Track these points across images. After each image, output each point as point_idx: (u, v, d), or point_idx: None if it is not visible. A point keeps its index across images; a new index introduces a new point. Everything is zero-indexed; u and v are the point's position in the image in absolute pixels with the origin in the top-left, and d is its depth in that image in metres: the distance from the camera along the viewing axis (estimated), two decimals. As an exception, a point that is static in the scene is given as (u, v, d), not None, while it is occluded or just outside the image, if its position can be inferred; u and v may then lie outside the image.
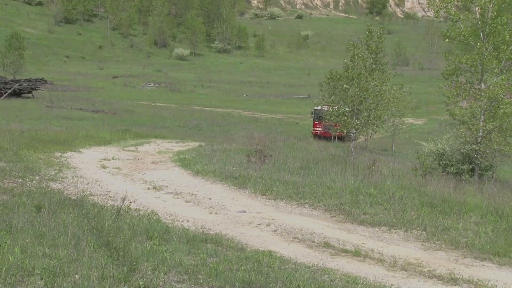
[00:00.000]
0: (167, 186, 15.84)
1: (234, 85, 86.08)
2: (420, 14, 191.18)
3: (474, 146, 21.02)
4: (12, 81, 54.03)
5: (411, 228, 12.70)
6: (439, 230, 12.54)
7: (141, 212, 11.92)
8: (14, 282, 6.67)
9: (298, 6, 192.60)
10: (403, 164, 24.13)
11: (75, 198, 12.42)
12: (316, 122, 41.98)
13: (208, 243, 9.89)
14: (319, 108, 41.33)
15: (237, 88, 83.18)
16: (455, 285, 9.41)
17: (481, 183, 19.59)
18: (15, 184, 13.34)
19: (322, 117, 39.78)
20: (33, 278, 6.84)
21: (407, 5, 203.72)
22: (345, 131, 38.45)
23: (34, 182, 14.07)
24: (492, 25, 20.51)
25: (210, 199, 14.52)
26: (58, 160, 18.47)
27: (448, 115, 21.79)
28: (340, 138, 39.50)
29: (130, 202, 12.70)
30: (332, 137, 39.64)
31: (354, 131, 26.18)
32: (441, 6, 21.80)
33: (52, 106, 46.66)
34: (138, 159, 21.16)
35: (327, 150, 27.86)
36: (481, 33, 21.02)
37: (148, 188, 15.47)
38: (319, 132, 41.00)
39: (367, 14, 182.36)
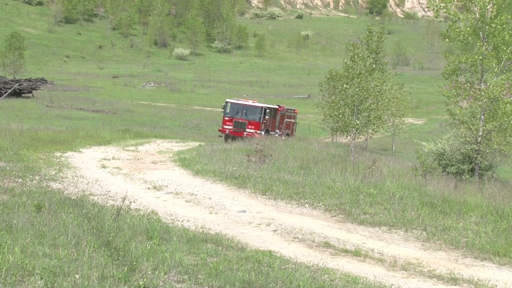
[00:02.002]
0: (167, 186, 15.85)
1: (234, 85, 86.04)
2: (420, 14, 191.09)
3: (474, 146, 21.02)
4: (12, 81, 54.01)
5: (411, 228, 12.71)
6: (439, 230, 12.55)
7: (141, 212, 11.93)
8: (14, 282, 6.67)
9: (298, 6, 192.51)
10: (403, 164, 24.13)
11: (75, 198, 12.42)
12: (226, 119, 34.26)
13: (208, 243, 9.90)
14: (232, 101, 35.62)
15: (237, 88, 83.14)
16: (455, 285, 9.42)
17: (481, 183, 19.59)
18: (15, 184, 13.34)
19: (235, 113, 34.13)
20: (33, 278, 6.84)
21: (407, 5, 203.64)
22: (261, 132, 33.19)
23: (34, 182, 14.07)
24: (492, 25, 20.51)
25: (210, 199, 14.53)
26: (58, 160, 18.48)
27: (448, 115, 21.78)
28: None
29: (130, 202, 12.71)
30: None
31: (355, 131, 26.16)
32: (441, 6, 21.79)
33: (52, 106, 46.65)
34: (138, 159, 21.17)
35: (327, 150, 27.85)
36: (480, 33, 21.02)
37: (148, 188, 15.47)
38: (228, 130, 33.70)
39: (367, 14, 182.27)
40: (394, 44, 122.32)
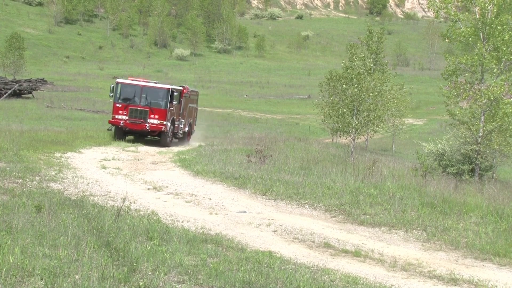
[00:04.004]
0: (167, 187, 15.85)
1: (234, 86, 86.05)
2: (420, 15, 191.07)
3: (474, 146, 21.03)
4: (12, 81, 53.98)
5: (411, 229, 12.71)
6: (439, 231, 12.56)
7: (141, 213, 11.93)
8: (14, 283, 6.67)
9: (298, 7, 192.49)
10: (403, 165, 24.14)
11: (75, 198, 12.42)
12: (118, 106, 25.98)
13: (208, 244, 9.90)
14: (125, 81, 26.98)
15: (237, 89, 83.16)
16: (455, 285, 9.42)
17: (481, 184, 19.60)
18: (15, 185, 13.34)
19: (131, 98, 26.11)
20: (33, 279, 6.85)
21: (407, 5, 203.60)
22: (167, 123, 25.89)
23: (34, 182, 14.07)
24: (492, 25, 20.52)
25: (210, 199, 14.53)
26: (58, 160, 18.48)
27: (448, 116, 21.80)
28: (154, 135, 26.59)
29: (130, 203, 12.72)
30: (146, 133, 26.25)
31: (354, 131, 26.17)
32: (441, 6, 21.81)
33: (52, 107, 46.65)
34: (138, 160, 21.18)
35: (327, 150, 27.86)
36: (481, 34, 21.03)
37: (148, 189, 15.48)
38: (122, 122, 25.66)
39: (367, 15, 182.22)
40: (394, 45, 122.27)
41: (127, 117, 25.70)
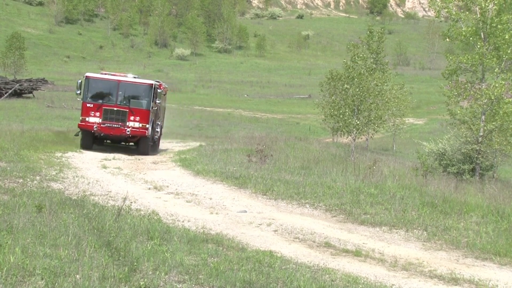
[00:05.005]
0: (167, 186, 15.85)
1: (235, 85, 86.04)
2: (420, 14, 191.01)
3: (475, 146, 21.02)
4: (13, 81, 54.02)
5: (412, 228, 12.71)
6: (440, 230, 12.55)
7: (142, 212, 11.93)
8: (15, 282, 6.67)
9: (298, 6, 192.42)
10: (404, 164, 24.13)
11: (76, 198, 12.42)
12: (89, 106, 21.86)
13: (209, 243, 9.89)
14: (96, 76, 23.08)
15: (238, 88, 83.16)
16: (456, 285, 9.42)
17: (482, 183, 19.59)
18: (16, 184, 13.35)
19: (105, 96, 22.22)
20: (34, 278, 6.85)
21: (408, 5, 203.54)
22: (149, 126, 22.12)
23: (35, 182, 14.08)
24: (493, 25, 20.51)
25: (210, 199, 14.53)
26: (58, 160, 18.49)
27: (449, 115, 21.80)
28: (134, 141, 22.85)
29: (131, 202, 12.72)
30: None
31: (355, 131, 26.17)
32: (442, 6, 21.80)
33: (52, 106, 46.67)
34: (139, 159, 21.18)
35: (328, 150, 27.85)
36: (481, 33, 21.02)
37: (149, 188, 15.48)
38: (96, 126, 21.67)
39: (368, 14, 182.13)
40: (394, 44, 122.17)
41: (100, 120, 21.70)
